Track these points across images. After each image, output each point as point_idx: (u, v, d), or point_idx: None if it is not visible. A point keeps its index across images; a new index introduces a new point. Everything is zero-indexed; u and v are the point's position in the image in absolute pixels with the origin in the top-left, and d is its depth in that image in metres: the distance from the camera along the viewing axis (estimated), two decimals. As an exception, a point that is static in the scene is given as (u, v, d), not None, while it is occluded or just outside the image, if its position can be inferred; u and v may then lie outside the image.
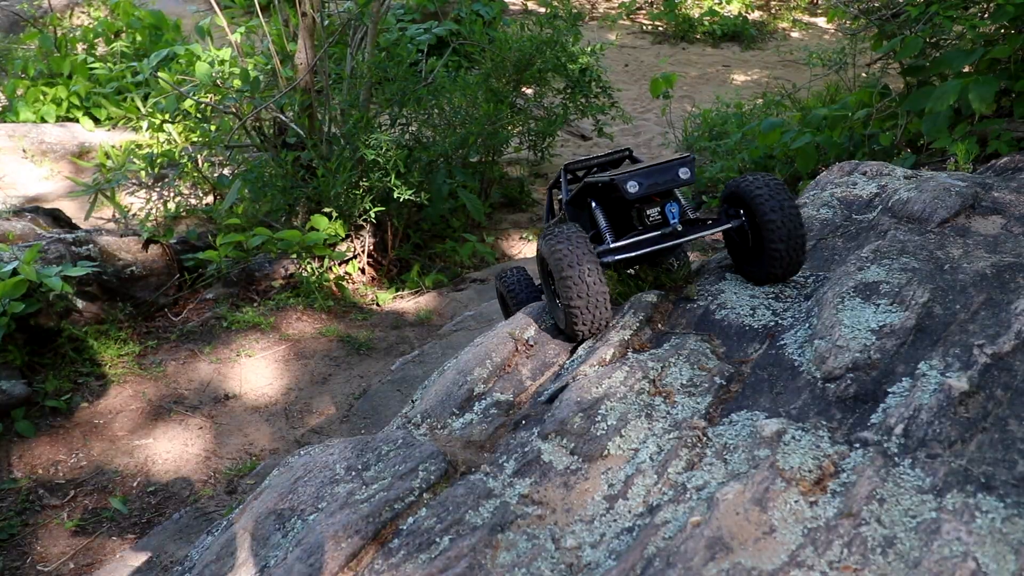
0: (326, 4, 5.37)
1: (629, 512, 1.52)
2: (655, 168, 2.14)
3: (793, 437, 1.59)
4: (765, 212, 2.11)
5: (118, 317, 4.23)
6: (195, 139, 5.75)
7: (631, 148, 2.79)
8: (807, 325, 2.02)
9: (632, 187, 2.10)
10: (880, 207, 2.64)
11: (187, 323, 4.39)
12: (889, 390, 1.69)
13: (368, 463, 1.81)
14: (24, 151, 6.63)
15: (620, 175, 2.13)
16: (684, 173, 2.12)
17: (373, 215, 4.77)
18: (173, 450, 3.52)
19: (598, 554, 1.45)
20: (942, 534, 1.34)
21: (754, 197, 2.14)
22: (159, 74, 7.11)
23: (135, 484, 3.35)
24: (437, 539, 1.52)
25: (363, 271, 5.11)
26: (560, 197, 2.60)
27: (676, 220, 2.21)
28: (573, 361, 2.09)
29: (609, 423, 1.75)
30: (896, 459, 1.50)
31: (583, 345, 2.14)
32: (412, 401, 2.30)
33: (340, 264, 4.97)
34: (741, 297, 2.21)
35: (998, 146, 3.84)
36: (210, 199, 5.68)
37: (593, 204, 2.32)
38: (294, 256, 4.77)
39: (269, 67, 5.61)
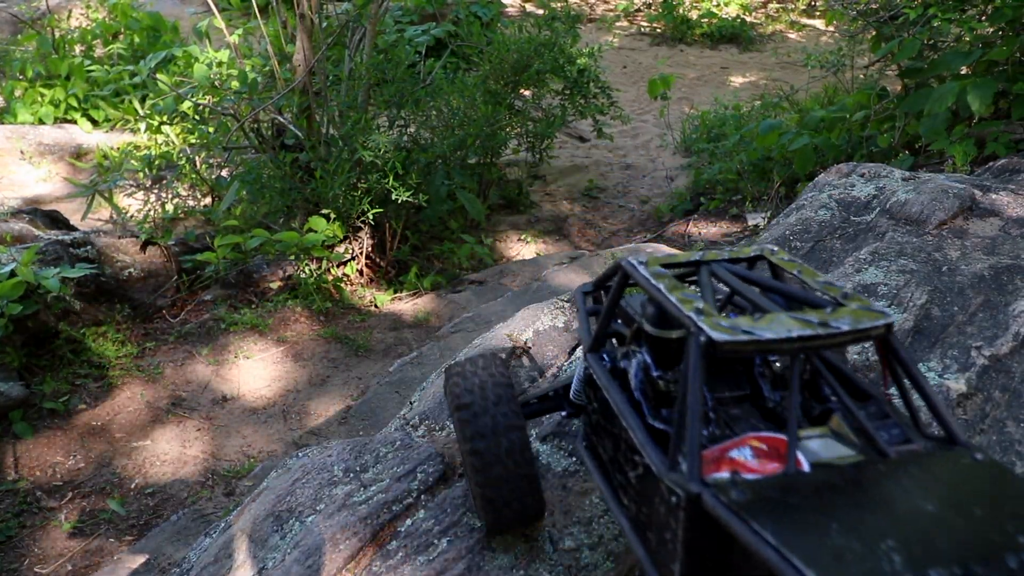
0: (324, 5, 5.37)
1: (627, 514, 1.52)
2: None
3: (791, 439, 1.59)
4: None
5: (116, 319, 4.22)
6: (193, 141, 5.75)
7: (774, 249, 1.36)
8: (805, 327, 2.02)
9: None
10: (878, 209, 2.65)
11: (185, 324, 4.39)
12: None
13: (366, 465, 1.81)
14: (22, 152, 6.63)
15: None
16: None
17: (371, 216, 4.77)
18: (171, 452, 3.52)
19: (596, 556, 1.45)
20: (940, 536, 1.34)
21: None
22: (157, 76, 7.10)
23: (133, 486, 3.34)
24: (435, 541, 1.52)
25: (361, 273, 5.11)
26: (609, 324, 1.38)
27: None
28: (572, 362, 2.09)
29: (607, 425, 1.75)
30: (894, 461, 1.50)
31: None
32: (410, 403, 2.29)
33: (338, 266, 4.97)
34: (739, 299, 2.21)
35: (996, 148, 3.85)
36: (208, 201, 5.68)
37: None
38: (292, 258, 4.76)
39: (267, 69, 5.60)
